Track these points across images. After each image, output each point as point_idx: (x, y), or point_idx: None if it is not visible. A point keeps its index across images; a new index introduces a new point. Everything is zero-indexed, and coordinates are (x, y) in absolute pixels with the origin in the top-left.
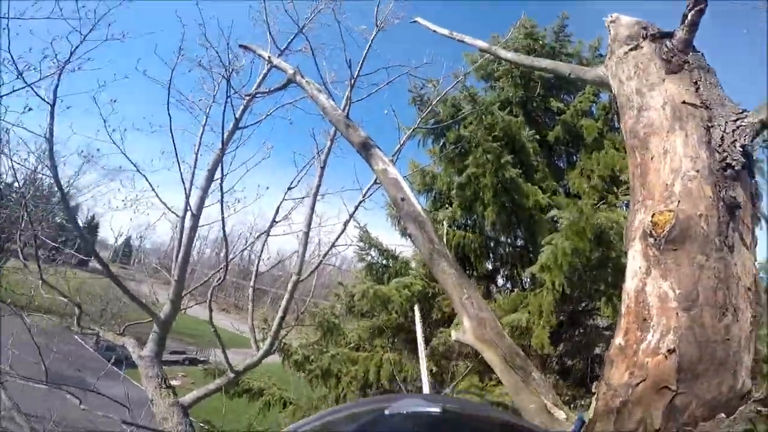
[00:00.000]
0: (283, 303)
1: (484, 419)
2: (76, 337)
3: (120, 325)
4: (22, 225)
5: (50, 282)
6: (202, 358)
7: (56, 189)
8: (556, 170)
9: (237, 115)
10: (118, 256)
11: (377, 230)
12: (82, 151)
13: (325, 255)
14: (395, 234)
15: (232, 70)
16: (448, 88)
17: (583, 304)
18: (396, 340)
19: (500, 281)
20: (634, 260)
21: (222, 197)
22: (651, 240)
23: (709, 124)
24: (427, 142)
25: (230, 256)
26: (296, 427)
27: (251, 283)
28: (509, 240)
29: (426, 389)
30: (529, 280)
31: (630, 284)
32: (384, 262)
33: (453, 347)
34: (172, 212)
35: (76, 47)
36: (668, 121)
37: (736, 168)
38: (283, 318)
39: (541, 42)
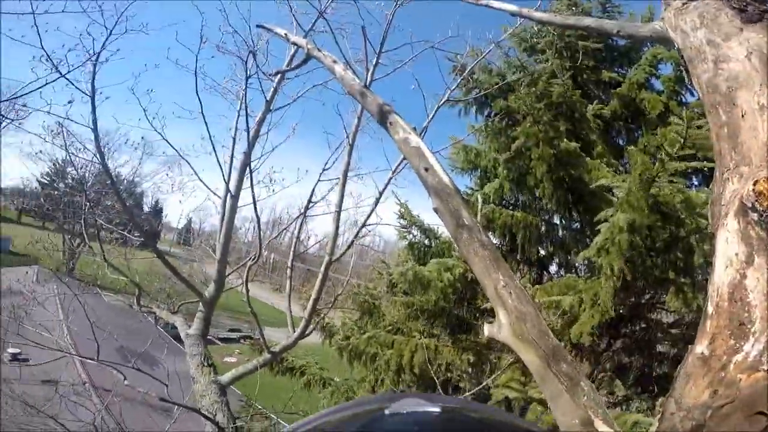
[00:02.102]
0: (317, 284)
1: (484, 420)
2: (146, 314)
3: (175, 304)
4: (85, 210)
5: (114, 263)
6: (257, 336)
7: (108, 176)
8: (614, 148)
9: (267, 98)
10: (182, 237)
11: (420, 209)
12: (142, 138)
13: (357, 235)
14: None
15: (256, 50)
16: (486, 53)
17: (647, 296)
18: (435, 323)
19: (553, 269)
20: (729, 244)
21: (251, 179)
22: (754, 216)
23: None
24: (470, 113)
25: (263, 236)
26: (295, 427)
27: (289, 263)
28: (564, 222)
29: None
30: (585, 267)
31: (722, 276)
32: (426, 241)
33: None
34: (215, 194)
35: (107, 39)
36: (758, 73)
37: None
38: (316, 300)
39: (583, 10)
